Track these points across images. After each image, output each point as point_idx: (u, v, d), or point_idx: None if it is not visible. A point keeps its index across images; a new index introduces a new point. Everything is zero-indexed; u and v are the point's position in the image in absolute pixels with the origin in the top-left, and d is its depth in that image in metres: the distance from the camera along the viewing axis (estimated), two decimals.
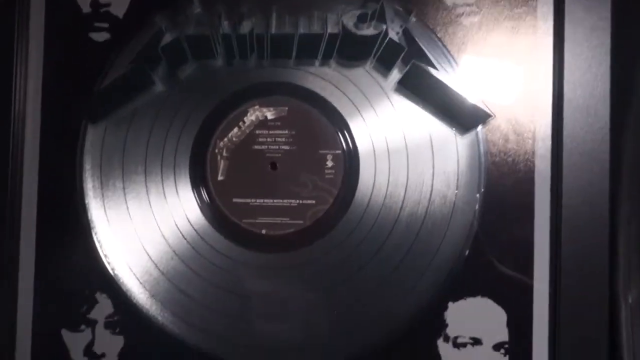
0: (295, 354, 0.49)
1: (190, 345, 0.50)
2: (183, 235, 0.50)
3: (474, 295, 0.48)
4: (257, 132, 0.51)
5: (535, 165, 0.48)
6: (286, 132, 0.50)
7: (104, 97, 0.51)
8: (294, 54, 0.50)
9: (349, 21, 0.49)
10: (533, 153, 0.48)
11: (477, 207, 0.48)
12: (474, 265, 0.48)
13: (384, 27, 0.49)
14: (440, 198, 0.48)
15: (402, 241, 0.49)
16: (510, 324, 0.47)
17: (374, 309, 0.48)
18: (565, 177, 0.47)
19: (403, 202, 0.49)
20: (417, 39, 0.48)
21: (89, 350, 0.51)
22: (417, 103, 0.49)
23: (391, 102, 0.49)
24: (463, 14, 0.49)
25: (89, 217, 0.51)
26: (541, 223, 0.47)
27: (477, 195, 0.48)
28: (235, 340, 0.50)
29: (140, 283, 0.51)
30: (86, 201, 0.51)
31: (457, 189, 0.48)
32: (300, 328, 0.49)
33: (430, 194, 0.49)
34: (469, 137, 0.48)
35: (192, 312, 0.50)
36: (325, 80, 0.50)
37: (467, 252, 0.48)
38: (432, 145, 0.49)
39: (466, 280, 0.48)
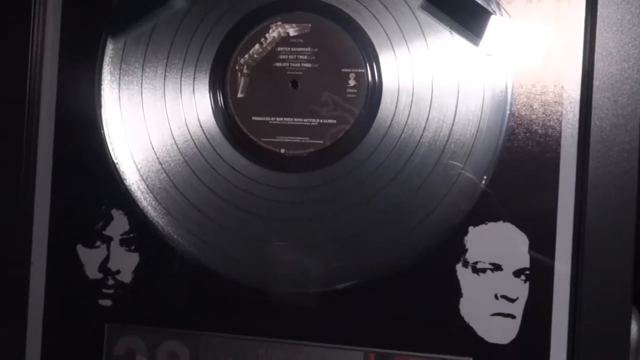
0: (312, 276, 0.49)
1: (204, 264, 0.50)
2: (200, 153, 0.50)
3: (495, 220, 0.47)
4: (279, 49, 0.49)
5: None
6: (308, 49, 0.49)
7: (123, 12, 0.51)
8: None
9: None
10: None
11: (503, 129, 0.47)
12: (496, 190, 0.47)
13: None
14: (464, 121, 0.47)
15: (423, 165, 0.48)
16: (532, 249, 0.47)
17: (392, 232, 0.47)
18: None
19: (426, 124, 0.47)
20: None
21: (104, 266, 0.51)
22: (440, 19, 0.47)
23: (418, 21, 0.48)
24: None
25: (107, 132, 0.51)
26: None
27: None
28: (250, 260, 0.49)
29: (157, 200, 0.50)
30: (103, 116, 0.51)
31: (481, 113, 0.47)
32: (316, 250, 0.49)
33: (454, 117, 0.48)
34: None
35: (207, 231, 0.49)
36: None
37: (489, 176, 0.47)
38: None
39: (488, 204, 0.47)
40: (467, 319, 0.47)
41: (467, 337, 0.46)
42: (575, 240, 0.45)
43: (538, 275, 0.46)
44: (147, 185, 0.50)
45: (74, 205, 0.51)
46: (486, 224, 0.47)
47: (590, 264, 0.44)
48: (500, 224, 0.47)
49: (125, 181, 0.50)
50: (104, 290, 0.51)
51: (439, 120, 0.47)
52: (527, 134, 0.46)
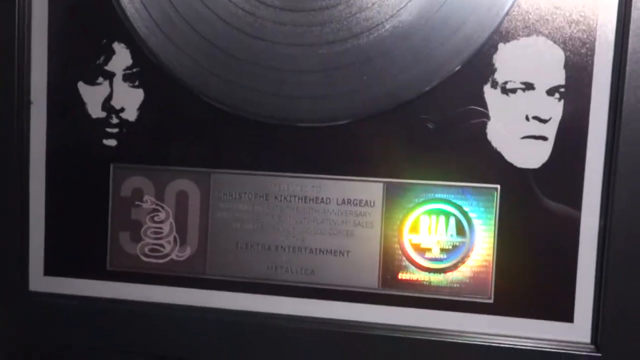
0: (334, 106, 0.46)
1: (210, 97, 0.47)
2: None
3: (528, 34, 0.43)
4: None
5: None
6: None
7: None
8: None
9: None
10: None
11: None
12: (529, 2, 0.43)
13: None
14: None
15: None
16: (568, 65, 0.43)
17: (415, 52, 0.44)
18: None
19: None
20: None
21: (107, 104, 0.48)
22: None
23: None
24: None
25: None
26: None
27: None
28: (258, 88, 0.46)
29: (160, 29, 0.47)
30: None
31: None
32: (337, 76, 0.45)
33: None
34: None
35: (214, 60, 0.46)
36: None
37: None
38: None
39: (520, 17, 0.43)
40: (494, 143, 0.43)
41: (494, 162, 0.43)
42: (617, 56, 0.41)
43: (574, 92, 0.42)
44: (149, 13, 0.47)
45: (72, 40, 0.48)
46: (518, 39, 0.43)
47: (633, 69, 0.41)
48: (534, 38, 0.43)
49: (126, 9, 0.47)
50: (108, 130, 0.48)
51: None
52: None
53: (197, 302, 0.47)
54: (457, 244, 0.44)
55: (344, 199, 0.46)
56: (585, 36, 0.42)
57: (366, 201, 0.45)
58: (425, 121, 0.44)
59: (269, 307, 0.47)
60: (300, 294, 0.46)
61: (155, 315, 0.47)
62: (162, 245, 0.48)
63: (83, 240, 0.49)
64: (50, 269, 0.49)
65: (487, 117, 0.43)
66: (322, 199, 0.46)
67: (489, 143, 0.43)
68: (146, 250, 0.48)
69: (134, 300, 0.48)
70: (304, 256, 0.46)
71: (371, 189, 0.45)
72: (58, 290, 0.49)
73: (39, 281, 0.49)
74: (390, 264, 0.45)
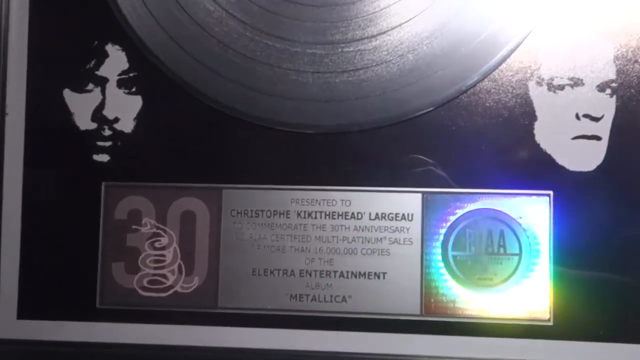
0: (366, 105, 0.41)
1: (220, 103, 0.41)
2: None
3: (572, 27, 0.40)
4: None
5: None
6: None
7: None
8: None
9: None
10: None
11: None
12: None
13: None
14: None
15: None
16: (618, 59, 0.39)
17: (446, 47, 0.40)
18: None
19: None
20: None
21: (98, 114, 0.42)
22: None
23: None
24: None
25: None
26: None
27: None
28: (275, 92, 0.40)
29: (162, 28, 0.41)
30: None
31: None
32: (365, 75, 0.41)
33: None
34: None
35: (225, 62, 0.40)
36: None
37: None
38: None
39: (563, 9, 0.40)
40: (543, 145, 0.39)
41: (544, 167, 0.39)
42: None
43: (626, 87, 0.39)
44: (149, 10, 0.41)
45: (57, 41, 0.42)
46: (561, 32, 0.40)
47: None
48: (580, 31, 0.40)
49: (121, 8, 0.42)
50: (100, 143, 0.42)
51: None
52: None
53: (209, 341, 0.40)
54: (508, 259, 0.40)
55: (377, 213, 0.40)
56: (634, 28, 0.40)
57: (403, 214, 0.41)
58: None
59: (293, 343, 0.40)
60: (331, 326, 0.40)
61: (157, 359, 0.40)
62: (164, 276, 0.41)
63: (67, 274, 0.41)
64: (26, 311, 0.41)
65: (534, 117, 0.40)
66: (353, 214, 0.40)
67: (537, 145, 0.40)
68: (145, 282, 0.41)
69: (131, 343, 0.40)
70: (334, 281, 0.40)
71: (409, 201, 0.41)
72: (35, 336, 0.41)
73: (12, 326, 0.41)
74: (433, 285, 0.40)
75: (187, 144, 0.41)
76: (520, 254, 0.39)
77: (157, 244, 0.41)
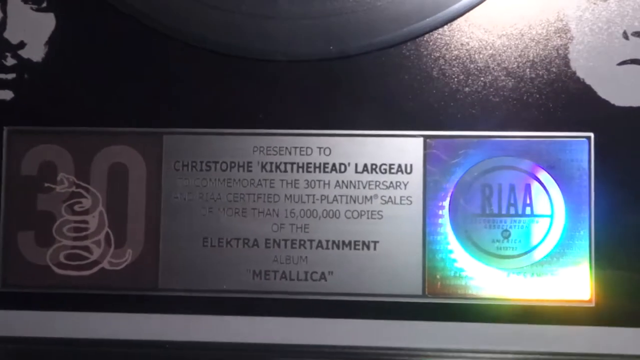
0: (343, 20, 0.32)
1: (160, 21, 0.32)
2: None
3: None
4: None
5: None
6: None
7: None
8: None
9: None
10: None
11: None
12: None
13: None
14: None
15: None
16: None
17: None
18: None
19: None
20: None
21: None
22: None
23: None
24: None
25: None
26: None
27: None
28: (232, 6, 0.32)
29: None
30: None
31: None
32: None
33: None
34: None
35: None
36: None
37: None
38: None
39: None
40: (580, 73, 0.31)
41: (582, 102, 0.31)
42: None
43: None
44: None
45: None
46: None
47: None
48: None
49: None
50: (0, 76, 0.33)
51: None
52: None
53: (145, 333, 0.31)
54: (537, 223, 0.32)
55: (365, 164, 0.32)
56: None
57: (399, 166, 0.32)
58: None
59: (257, 333, 0.32)
60: (307, 311, 0.32)
61: (80, 358, 0.32)
62: (87, 249, 0.32)
63: None
64: None
65: (570, 37, 0.31)
66: (334, 165, 0.32)
67: (573, 73, 0.32)
68: (62, 257, 0.32)
69: (43, 337, 0.32)
70: (309, 253, 0.32)
71: (406, 148, 0.32)
72: None
73: None
74: (439, 258, 0.32)
75: (115, 75, 0.32)
76: (552, 216, 0.31)
77: (77, 208, 0.32)
